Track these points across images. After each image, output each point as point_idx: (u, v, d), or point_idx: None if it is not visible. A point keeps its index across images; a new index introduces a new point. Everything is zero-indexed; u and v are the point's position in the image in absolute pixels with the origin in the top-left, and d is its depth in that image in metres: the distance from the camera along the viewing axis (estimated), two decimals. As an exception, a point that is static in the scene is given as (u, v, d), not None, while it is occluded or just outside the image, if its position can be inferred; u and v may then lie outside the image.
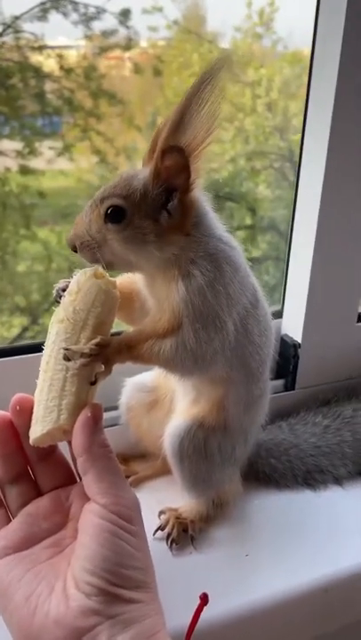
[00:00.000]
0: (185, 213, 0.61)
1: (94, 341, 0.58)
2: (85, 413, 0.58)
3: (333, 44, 0.81)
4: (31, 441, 0.59)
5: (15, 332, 2.04)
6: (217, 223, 0.66)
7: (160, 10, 1.83)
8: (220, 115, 0.56)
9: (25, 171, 1.88)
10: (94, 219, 0.61)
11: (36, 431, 0.59)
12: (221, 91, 0.56)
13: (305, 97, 0.89)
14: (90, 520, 0.55)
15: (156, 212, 0.61)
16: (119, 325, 0.69)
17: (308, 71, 0.87)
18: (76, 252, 0.62)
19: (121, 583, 0.52)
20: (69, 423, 0.58)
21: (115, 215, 0.60)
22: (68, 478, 0.64)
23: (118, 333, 0.65)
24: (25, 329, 2.02)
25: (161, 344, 0.63)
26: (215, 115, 0.56)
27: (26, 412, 0.60)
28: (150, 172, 0.60)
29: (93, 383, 0.60)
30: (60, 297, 0.63)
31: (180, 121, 0.56)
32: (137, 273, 0.68)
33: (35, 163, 1.87)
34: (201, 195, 0.64)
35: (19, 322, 2.05)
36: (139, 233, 0.60)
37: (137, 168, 0.63)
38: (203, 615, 0.60)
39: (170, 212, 0.61)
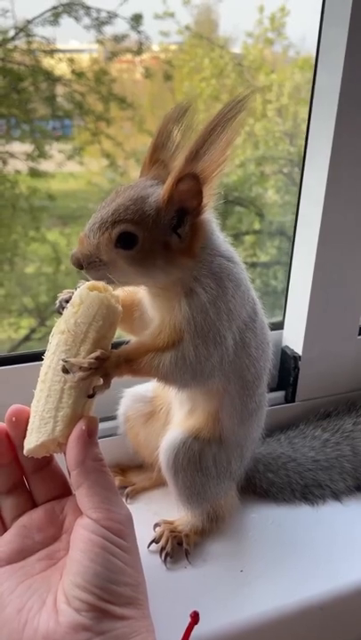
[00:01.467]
0: (194, 236, 0.61)
1: (93, 355, 0.58)
2: (80, 427, 0.57)
3: (337, 53, 0.80)
4: (25, 451, 0.59)
5: (23, 333, 2.05)
6: (221, 240, 0.66)
7: (172, 15, 1.84)
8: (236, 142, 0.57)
9: (35, 173, 1.89)
10: (104, 242, 0.59)
11: (31, 442, 0.58)
12: (241, 122, 0.56)
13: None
14: (81, 535, 0.55)
15: (166, 235, 0.60)
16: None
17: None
18: (81, 269, 0.62)
19: (112, 599, 0.52)
20: (64, 435, 0.58)
21: (126, 241, 0.59)
22: (64, 490, 0.63)
23: (119, 344, 0.65)
24: (32, 330, 2.04)
25: (160, 358, 0.63)
26: (232, 143, 0.57)
27: (21, 423, 0.60)
28: (163, 197, 0.59)
29: (91, 396, 0.60)
30: (63, 308, 0.63)
31: (198, 151, 0.56)
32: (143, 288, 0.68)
33: (45, 165, 1.88)
34: (210, 217, 0.64)
35: (27, 323, 2.06)
36: (150, 258, 0.60)
37: (141, 185, 0.62)
38: (195, 631, 0.59)
39: (180, 235, 0.60)
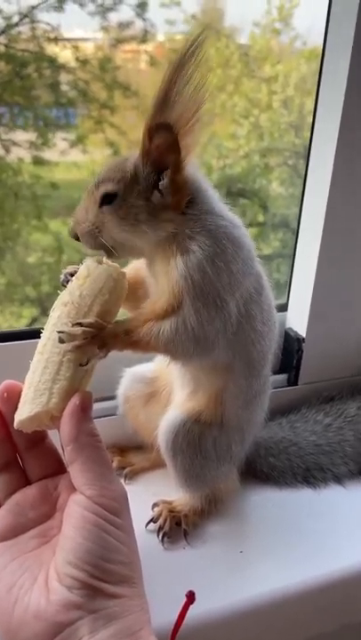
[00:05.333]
0: (177, 191, 0.60)
1: (88, 321, 0.57)
2: (74, 402, 0.56)
3: (345, 42, 0.79)
4: (15, 423, 0.57)
5: (24, 322, 2.04)
6: (216, 200, 0.65)
7: (178, 4, 1.82)
8: (208, 87, 0.55)
9: (38, 161, 1.88)
10: (90, 205, 0.62)
11: (23, 413, 0.57)
12: (206, 62, 0.55)
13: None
14: (74, 511, 0.53)
15: (148, 191, 0.60)
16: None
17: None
18: (77, 239, 0.63)
19: (104, 577, 0.51)
20: (59, 408, 0.57)
21: (108, 199, 0.61)
22: (58, 468, 0.62)
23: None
24: (34, 320, 2.03)
25: (160, 325, 0.61)
26: (202, 88, 0.55)
27: (14, 399, 0.59)
28: (139, 151, 0.59)
29: (85, 364, 0.58)
30: (68, 281, 0.62)
31: (166, 97, 0.55)
32: (140, 258, 0.67)
33: (48, 154, 1.87)
34: (195, 172, 0.63)
35: (28, 313, 2.05)
36: (132, 213, 0.61)
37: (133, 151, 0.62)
38: (192, 612, 0.58)
39: (161, 191, 0.60)
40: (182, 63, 0.54)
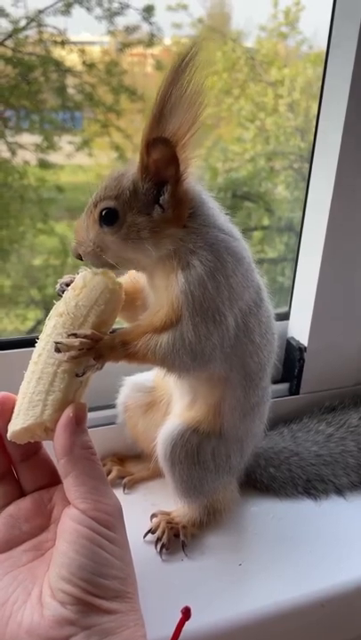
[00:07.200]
0: (178, 205, 0.60)
1: (83, 332, 0.57)
2: (68, 413, 0.56)
3: (348, 47, 0.79)
4: (9, 434, 0.57)
5: (29, 324, 2.04)
6: (217, 213, 0.64)
7: (185, 7, 1.81)
8: (205, 99, 0.55)
9: (44, 164, 1.88)
10: (90, 224, 0.60)
11: (17, 424, 0.57)
12: (202, 76, 0.54)
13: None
14: (68, 525, 0.53)
15: (148, 207, 0.59)
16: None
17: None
18: (80, 259, 0.62)
19: (98, 592, 0.51)
20: (53, 420, 0.56)
21: (108, 217, 0.59)
22: (53, 479, 0.62)
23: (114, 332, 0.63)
24: (39, 322, 2.03)
25: (158, 338, 0.61)
26: (199, 101, 0.55)
27: (7, 411, 0.59)
28: (138, 167, 0.58)
29: (80, 375, 0.58)
30: (63, 291, 0.62)
31: (162, 111, 0.55)
32: (141, 271, 0.66)
33: (54, 157, 1.87)
34: (195, 185, 0.62)
35: (33, 315, 2.05)
36: (134, 231, 0.59)
37: (130, 164, 0.61)
38: (190, 626, 0.57)
39: (162, 205, 0.59)
40: (177, 76, 0.54)
